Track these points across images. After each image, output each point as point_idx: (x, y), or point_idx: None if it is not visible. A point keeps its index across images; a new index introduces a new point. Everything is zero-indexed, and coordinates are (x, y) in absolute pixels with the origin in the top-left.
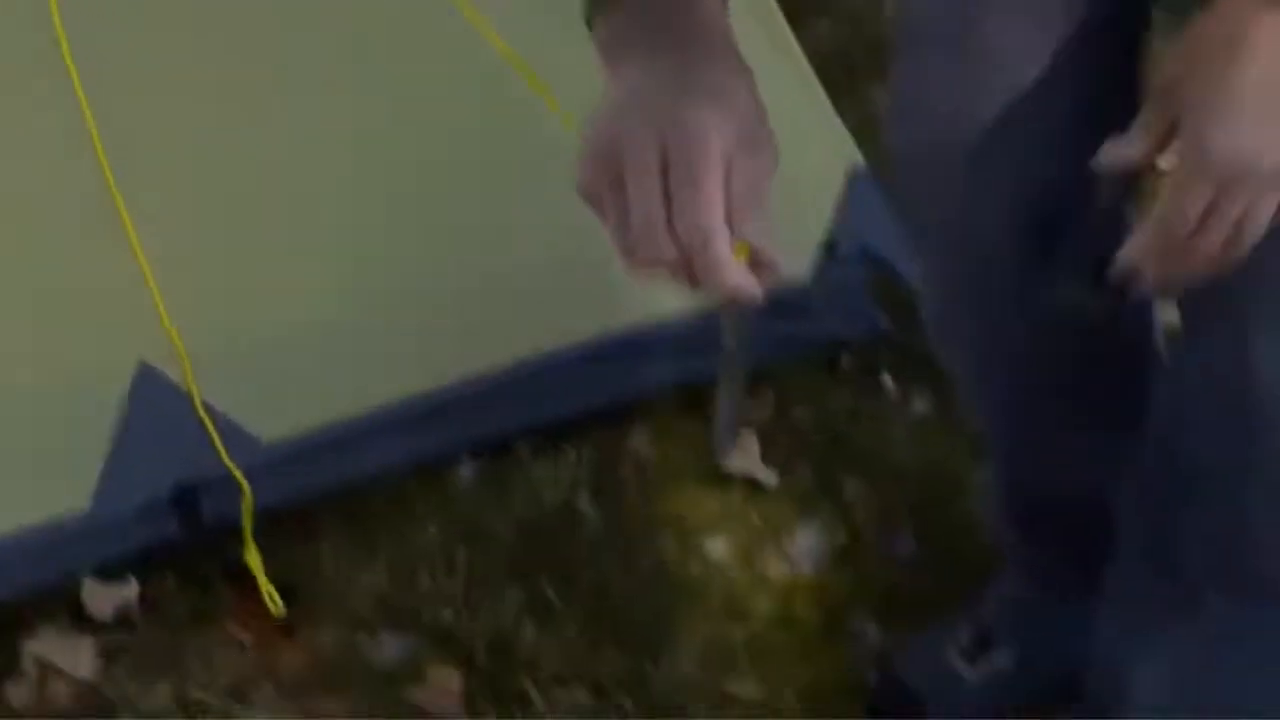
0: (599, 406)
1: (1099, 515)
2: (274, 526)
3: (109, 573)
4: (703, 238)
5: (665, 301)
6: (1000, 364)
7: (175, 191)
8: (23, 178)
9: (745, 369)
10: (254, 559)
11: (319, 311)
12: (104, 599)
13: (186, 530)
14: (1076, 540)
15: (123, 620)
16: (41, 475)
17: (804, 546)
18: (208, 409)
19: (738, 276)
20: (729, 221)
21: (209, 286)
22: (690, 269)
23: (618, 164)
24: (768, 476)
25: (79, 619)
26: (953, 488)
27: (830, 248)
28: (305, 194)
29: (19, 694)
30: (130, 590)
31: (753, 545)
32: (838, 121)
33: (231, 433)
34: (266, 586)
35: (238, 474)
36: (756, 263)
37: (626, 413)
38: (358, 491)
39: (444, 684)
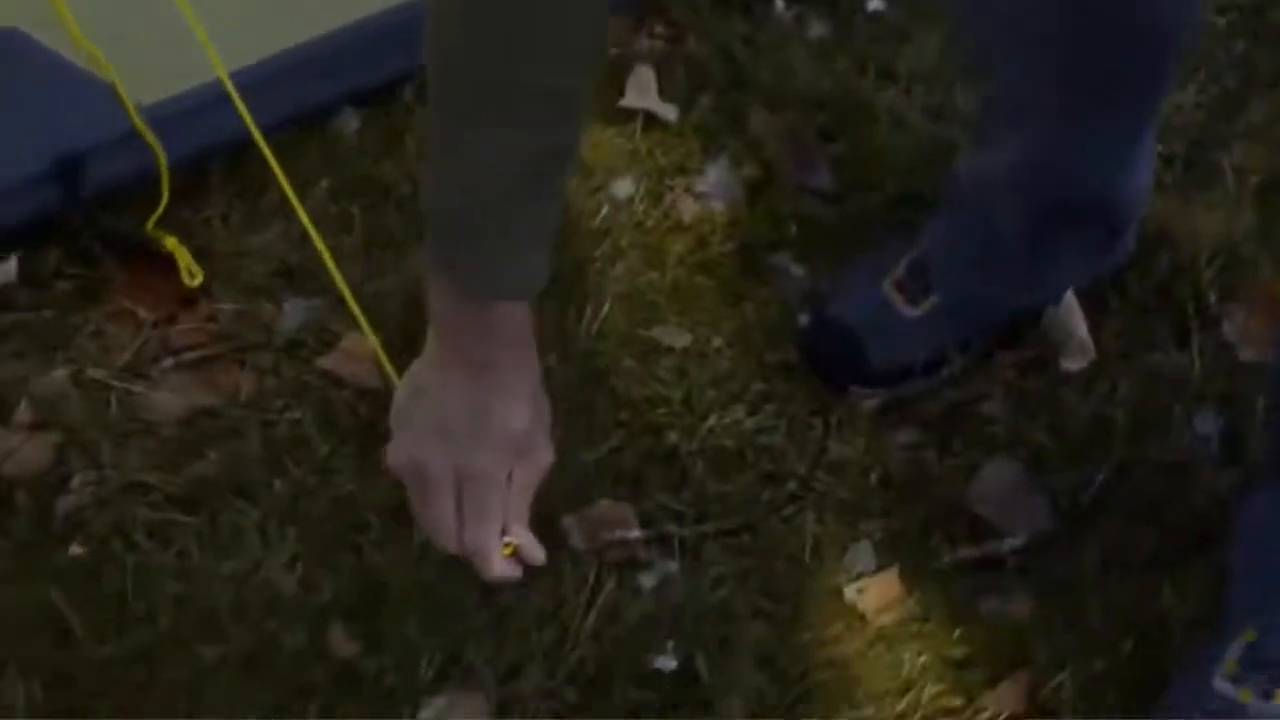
0: None
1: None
2: (155, 194)
3: None
4: (482, 554)
5: None
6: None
7: None
8: None
9: None
10: (163, 235)
11: None
12: None
13: (67, 201)
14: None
15: (4, 301)
16: None
17: (715, 182)
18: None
19: (503, 570)
20: (504, 526)
21: None
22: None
23: (420, 482)
24: (666, 111)
25: None
26: (862, 113)
27: None
28: None
29: None
30: (10, 267)
31: (661, 185)
32: None
33: (107, 96)
34: (184, 256)
35: (149, 135)
36: (520, 555)
37: None
38: (240, 154)
39: (355, 349)
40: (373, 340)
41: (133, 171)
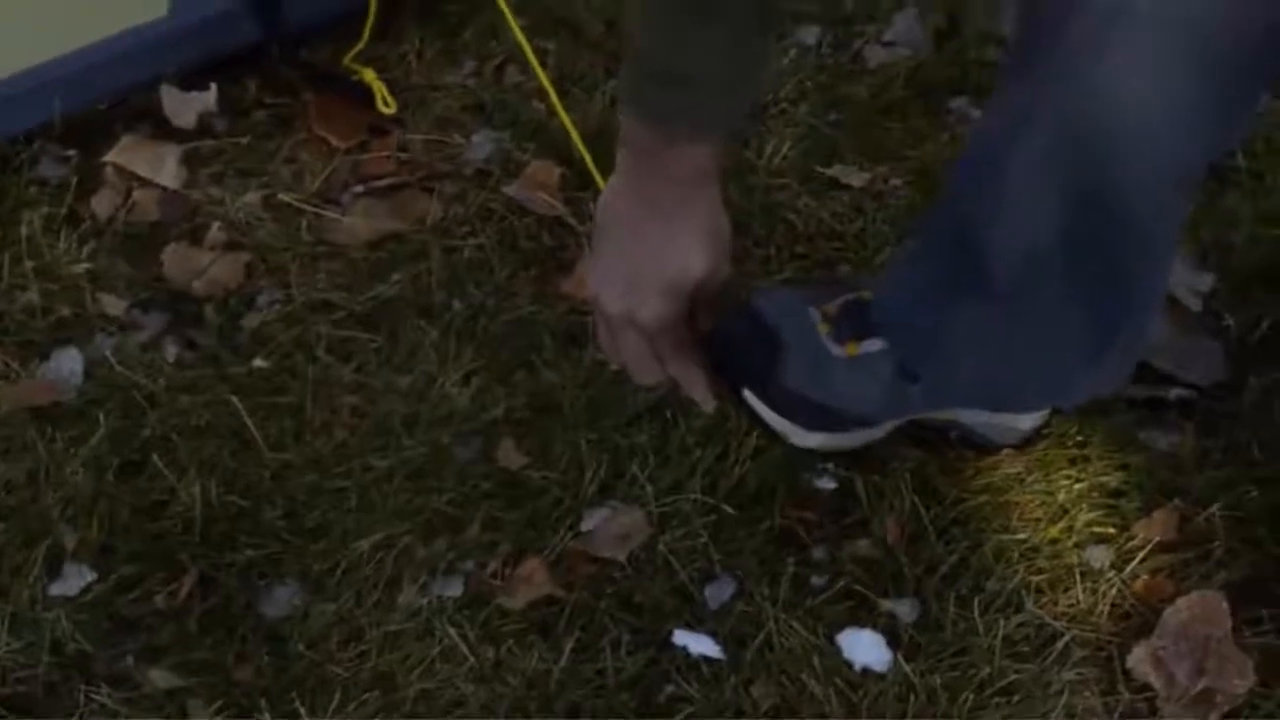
0: None
1: None
2: (352, 30)
3: (188, 82)
4: (690, 383)
5: None
6: None
7: None
8: None
9: None
10: (360, 68)
11: None
12: (184, 105)
13: (268, 33)
14: None
15: (204, 128)
16: None
17: (901, 30)
18: None
19: (706, 395)
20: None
21: None
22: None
23: (605, 319)
24: None
25: (161, 127)
26: None
27: None
28: None
29: (104, 204)
30: (210, 96)
31: (850, 32)
32: None
33: None
34: (380, 87)
35: None
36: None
37: None
38: None
39: (541, 178)
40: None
41: (332, 4)
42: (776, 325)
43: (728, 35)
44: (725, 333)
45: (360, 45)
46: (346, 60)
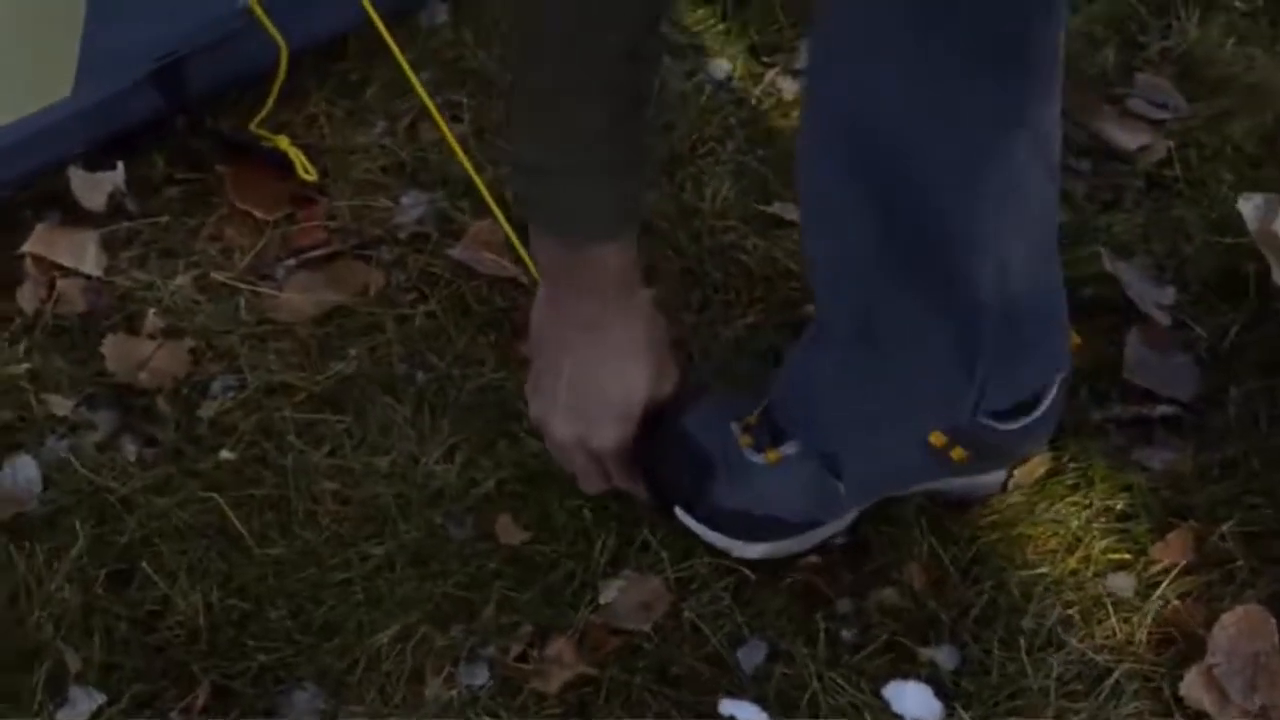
0: None
1: None
2: (259, 94)
3: (93, 161)
4: (636, 493)
5: None
6: None
7: None
8: None
9: None
10: (270, 135)
11: None
12: (93, 187)
13: (171, 105)
14: None
15: (116, 209)
16: (16, 66)
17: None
18: None
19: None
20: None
21: None
22: None
23: (552, 445)
24: None
25: (71, 212)
26: None
27: None
28: None
29: (28, 298)
30: (118, 176)
31: (758, 64)
32: None
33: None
34: (298, 155)
35: (272, 29)
36: None
37: None
38: (332, 49)
39: (484, 237)
40: (505, 226)
41: (235, 71)
42: (701, 444)
43: (604, 114)
44: (654, 454)
45: (266, 111)
46: (254, 127)
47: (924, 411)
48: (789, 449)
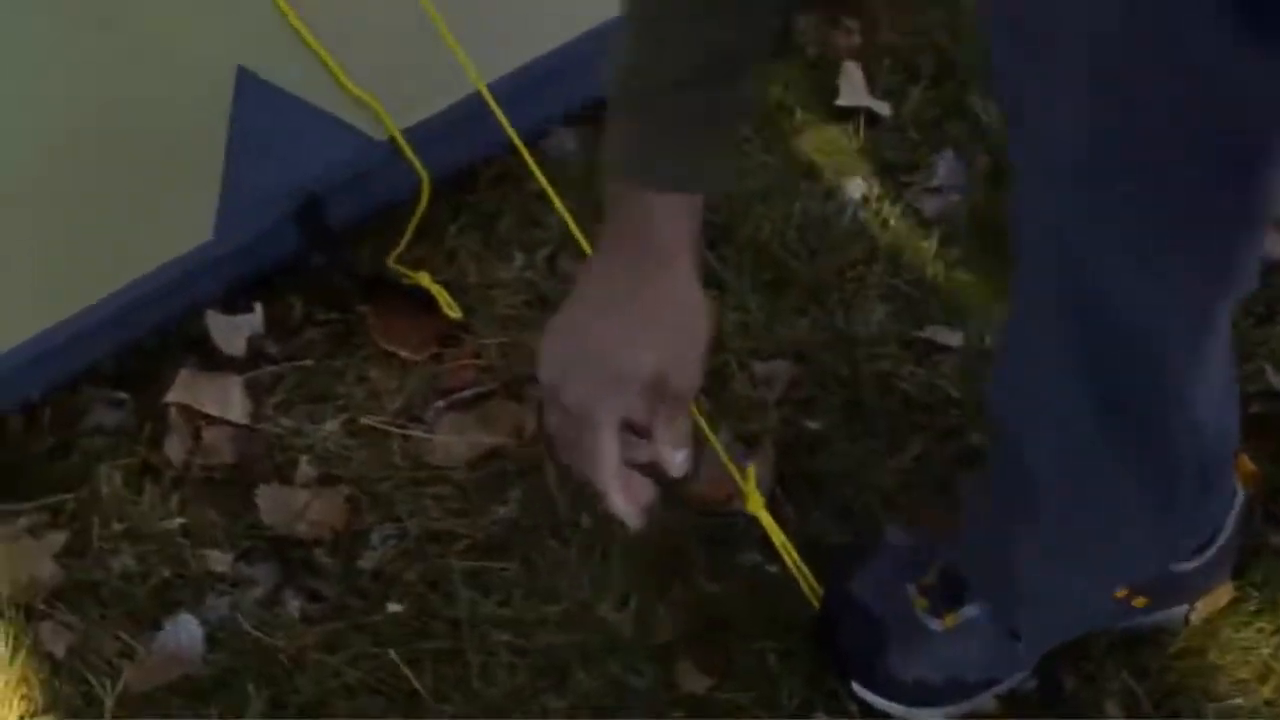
0: None
1: None
2: (392, 228)
3: (230, 304)
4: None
5: None
6: None
7: None
8: None
9: None
10: (408, 271)
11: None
12: (232, 331)
13: (308, 244)
14: None
15: (256, 352)
16: (157, 210)
17: (946, 174)
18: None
19: (622, 507)
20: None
21: None
22: None
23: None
24: (880, 107)
25: (211, 357)
26: None
27: None
28: None
29: (175, 449)
30: (256, 319)
31: (895, 182)
32: None
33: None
34: (441, 292)
35: (414, 160)
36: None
37: None
38: (462, 180)
39: None
40: None
41: (373, 206)
42: (874, 612)
43: (702, 55)
44: (826, 624)
45: (403, 246)
46: (391, 263)
47: (1115, 572)
48: (970, 611)
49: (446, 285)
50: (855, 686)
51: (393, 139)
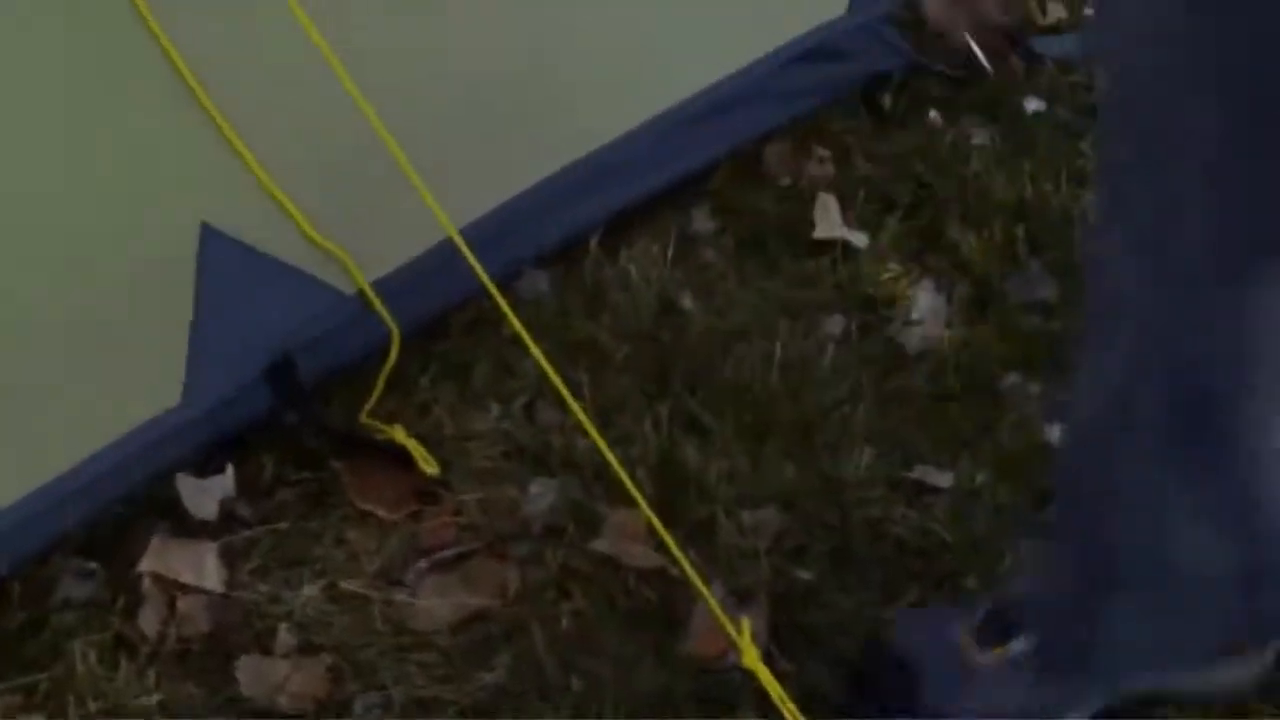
0: (659, 189)
1: None
2: (361, 380)
3: (201, 466)
4: None
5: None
6: None
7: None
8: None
9: None
10: (382, 426)
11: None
12: (203, 495)
13: (283, 401)
14: None
15: (229, 516)
16: (123, 375)
17: (927, 307)
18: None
19: None
20: None
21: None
22: None
23: None
24: (857, 238)
25: (183, 522)
26: (1065, 219)
27: None
28: None
29: (149, 620)
30: (228, 481)
31: (875, 316)
32: None
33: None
34: (417, 448)
35: (385, 313)
36: None
37: (684, 193)
38: (433, 326)
39: (629, 528)
40: (647, 512)
41: (344, 360)
42: (915, 651)
43: None
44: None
45: (374, 400)
46: (364, 418)
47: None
48: (1017, 646)
49: (421, 439)
50: None
51: (362, 292)
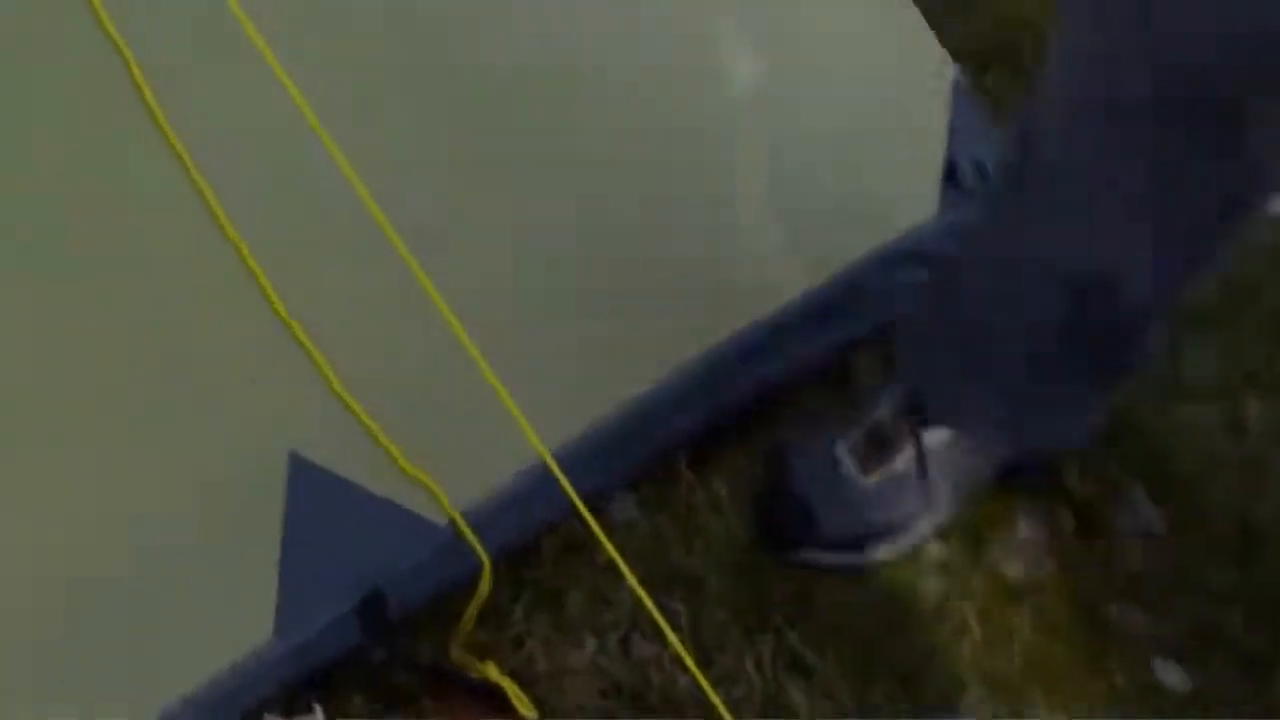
0: (748, 402)
1: None
2: (450, 611)
3: (288, 705)
4: None
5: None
6: None
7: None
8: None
9: None
10: (474, 661)
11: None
12: None
13: (372, 636)
14: None
15: None
16: (214, 612)
17: (1029, 536)
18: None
19: None
20: None
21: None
22: None
23: None
24: None
25: None
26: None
27: (951, 173)
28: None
29: None
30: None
31: (976, 542)
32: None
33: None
34: (511, 687)
35: (475, 543)
36: None
37: (774, 403)
38: (527, 555)
39: None
40: None
41: (433, 592)
42: (804, 486)
43: None
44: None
45: (465, 633)
46: (455, 653)
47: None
48: (892, 468)
49: (515, 675)
50: (803, 555)
51: (453, 521)
